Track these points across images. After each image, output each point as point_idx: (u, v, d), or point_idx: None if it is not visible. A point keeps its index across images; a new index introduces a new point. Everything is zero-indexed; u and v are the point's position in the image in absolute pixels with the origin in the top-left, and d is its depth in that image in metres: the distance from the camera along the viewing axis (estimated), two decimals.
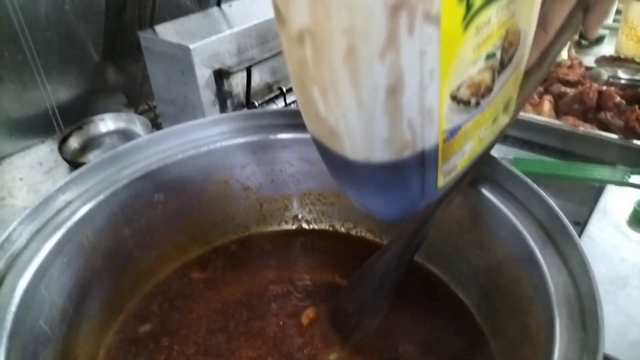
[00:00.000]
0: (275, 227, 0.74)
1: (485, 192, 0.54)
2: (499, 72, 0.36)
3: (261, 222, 0.73)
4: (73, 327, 0.53)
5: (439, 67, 0.30)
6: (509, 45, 0.35)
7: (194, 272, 0.67)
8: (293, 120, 0.67)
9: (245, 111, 0.67)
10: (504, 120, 0.43)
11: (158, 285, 0.65)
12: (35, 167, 0.96)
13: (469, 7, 0.29)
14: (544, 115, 0.93)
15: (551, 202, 0.48)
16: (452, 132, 0.35)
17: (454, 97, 0.33)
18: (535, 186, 0.51)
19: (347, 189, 0.41)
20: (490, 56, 0.34)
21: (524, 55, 0.39)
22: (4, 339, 0.41)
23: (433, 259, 0.65)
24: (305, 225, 0.74)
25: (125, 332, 0.59)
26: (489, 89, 0.36)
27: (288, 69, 0.34)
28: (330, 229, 0.73)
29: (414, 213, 0.42)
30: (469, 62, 0.32)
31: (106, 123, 1.01)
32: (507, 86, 0.39)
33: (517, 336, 0.49)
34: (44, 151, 0.99)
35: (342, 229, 0.73)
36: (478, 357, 0.54)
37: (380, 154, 0.33)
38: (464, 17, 0.29)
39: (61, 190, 0.54)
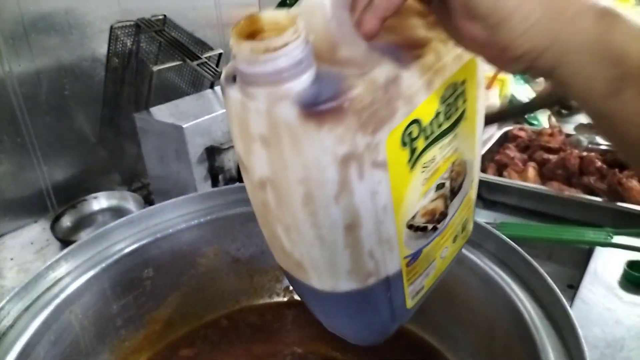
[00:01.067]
0: (266, 300, 0.73)
1: (476, 259, 0.55)
2: (451, 199, 0.39)
3: (252, 295, 0.73)
4: None
5: (391, 203, 0.32)
6: (457, 174, 0.38)
7: (183, 349, 0.66)
8: None
9: (235, 185, 0.69)
10: (464, 238, 0.45)
11: None
12: (27, 246, 0.96)
13: (412, 151, 0.32)
14: (529, 181, 0.96)
15: (536, 265, 0.49)
16: (414, 256, 0.37)
17: (410, 226, 0.35)
18: (522, 252, 0.52)
19: (319, 315, 0.42)
20: (440, 186, 0.36)
21: (473, 179, 0.42)
22: None
23: (428, 328, 0.64)
24: (297, 297, 0.73)
25: None
26: (444, 214, 0.38)
27: (253, 208, 0.36)
28: None
29: (387, 336, 0.42)
30: (420, 194, 0.35)
31: (99, 201, 1.03)
32: (462, 209, 0.41)
33: None
34: (36, 230, 0.99)
35: None
36: None
37: (345, 283, 0.35)
38: (409, 160, 0.32)
39: (51, 267, 0.55)
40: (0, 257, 0.94)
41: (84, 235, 0.84)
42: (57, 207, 1.05)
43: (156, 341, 0.65)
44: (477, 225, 0.57)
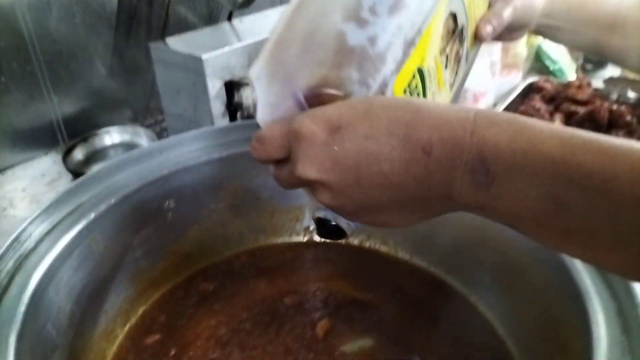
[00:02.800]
0: (285, 239, 0.72)
1: None
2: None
3: (271, 234, 0.71)
4: (79, 334, 0.50)
5: None
6: None
7: (202, 283, 0.65)
8: None
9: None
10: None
11: (166, 295, 0.63)
12: (38, 178, 0.94)
13: None
14: None
15: None
16: None
17: None
18: None
19: None
20: None
21: None
22: (13, 339, 0.38)
23: (452, 272, 0.63)
24: (316, 238, 0.72)
25: (132, 341, 0.56)
26: None
27: None
28: (343, 241, 0.71)
29: None
30: None
31: (111, 135, 1.00)
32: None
33: (545, 347, 0.47)
34: (47, 163, 0.97)
35: (355, 241, 0.71)
36: None
37: None
38: None
39: (72, 192, 0.53)
40: (12, 187, 0.92)
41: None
42: (68, 140, 1.02)
43: (175, 274, 0.64)
44: None
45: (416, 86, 0.38)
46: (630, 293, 0.39)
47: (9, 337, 0.38)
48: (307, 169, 0.32)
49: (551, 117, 0.96)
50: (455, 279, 0.63)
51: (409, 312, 0.60)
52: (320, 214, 0.40)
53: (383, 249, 0.70)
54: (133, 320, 0.59)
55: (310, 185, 0.34)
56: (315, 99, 0.34)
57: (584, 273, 0.43)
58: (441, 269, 0.64)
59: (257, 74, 0.35)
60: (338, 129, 0.31)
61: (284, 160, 0.35)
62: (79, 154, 0.96)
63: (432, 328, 0.57)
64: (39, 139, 1.01)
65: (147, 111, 1.08)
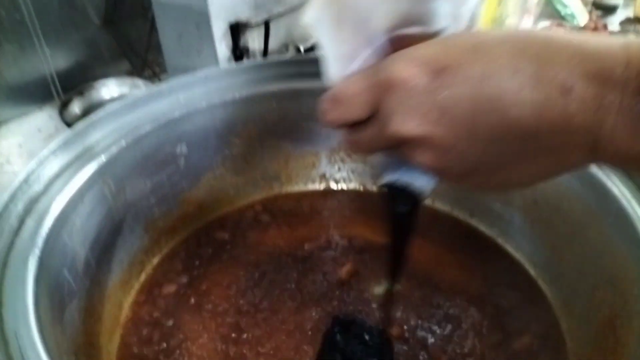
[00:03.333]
0: (301, 187, 0.69)
1: None
2: None
3: (286, 182, 0.68)
4: (96, 283, 0.48)
5: None
6: None
7: (218, 232, 0.62)
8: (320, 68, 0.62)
9: (269, 59, 0.62)
10: None
11: (182, 244, 0.60)
12: (34, 133, 0.90)
13: None
14: None
15: None
16: None
17: None
18: None
19: None
20: None
21: None
22: (31, 283, 0.35)
23: (477, 213, 0.61)
24: (333, 186, 0.69)
25: (149, 291, 0.54)
26: None
27: None
28: (361, 188, 0.69)
29: None
30: None
31: (109, 88, 0.95)
32: None
33: (586, 282, 0.46)
34: (42, 118, 0.93)
35: (373, 188, 0.68)
36: (535, 310, 0.50)
37: None
38: None
39: (79, 134, 0.49)
40: (8, 143, 0.88)
41: None
42: (63, 94, 0.97)
43: (190, 223, 0.62)
44: None
45: (500, 16, 0.33)
46: None
47: (27, 280, 0.36)
48: (406, 123, 0.26)
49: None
50: (480, 221, 0.61)
51: (433, 256, 0.58)
52: (392, 177, 0.32)
53: None
54: (149, 269, 0.57)
55: (408, 145, 0.27)
56: (399, 41, 0.28)
57: (631, 200, 0.40)
58: (465, 212, 0.62)
59: (316, 19, 0.29)
60: (443, 71, 0.25)
61: (366, 121, 0.29)
62: (75, 107, 0.92)
63: (459, 270, 0.56)
64: (33, 92, 0.96)
65: (145, 63, 1.03)
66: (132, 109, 0.54)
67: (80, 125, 0.50)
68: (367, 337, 0.45)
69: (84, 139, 0.49)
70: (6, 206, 0.39)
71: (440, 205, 0.64)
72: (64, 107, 0.90)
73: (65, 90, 0.98)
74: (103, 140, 0.50)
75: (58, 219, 0.42)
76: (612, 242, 0.42)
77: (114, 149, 0.50)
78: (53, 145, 0.46)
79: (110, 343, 0.49)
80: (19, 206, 0.41)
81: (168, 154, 0.57)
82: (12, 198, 0.41)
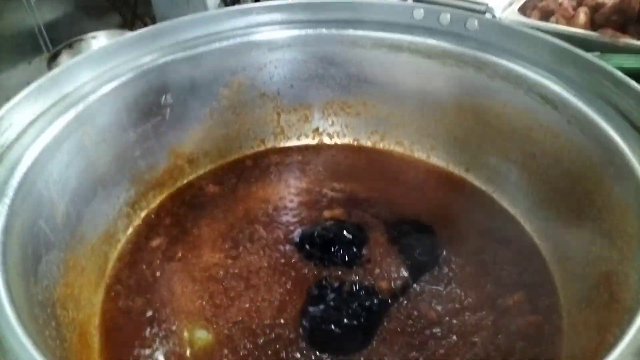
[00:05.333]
0: (294, 142, 0.67)
1: (540, 78, 0.47)
2: None
3: (279, 136, 0.66)
4: (78, 236, 0.47)
5: None
6: None
7: (208, 186, 0.61)
8: (314, 15, 0.59)
9: (259, 4, 0.58)
10: None
11: (170, 198, 0.59)
12: (23, 87, 0.87)
13: None
14: (579, 27, 0.85)
15: (634, 83, 0.42)
16: None
17: None
18: (607, 66, 0.44)
19: None
20: None
21: None
22: None
23: (473, 168, 0.59)
24: (327, 140, 0.67)
25: (136, 244, 0.53)
26: None
27: None
28: (355, 143, 0.66)
29: None
30: None
31: (99, 40, 0.92)
32: None
33: (582, 235, 0.44)
34: (31, 71, 0.90)
35: (368, 143, 0.66)
36: (532, 265, 0.49)
37: None
38: None
39: (55, 80, 0.47)
40: None
41: None
42: (52, 47, 0.94)
43: (178, 176, 0.60)
44: (547, 43, 0.49)
45: None
46: None
47: None
48: None
49: (575, 11, 0.87)
50: (476, 176, 0.59)
51: (427, 210, 0.56)
52: None
53: (398, 149, 0.65)
54: (136, 223, 0.55)
55: None
56: None
57: (636, 150, 0.38)
58: (461, 167, 0.60)
59: None
60: None
61: None
62: (64, 60, 0.89)
63: (454, 226, 0.54)
64: (20, 46, 0.93)
65: (135, 15, 1.00)
66: (113, 55, 0.51)
67: (56, 71, 0.47)
68: (351, 291, 0.44)
69: (60, 86, 0.47)
70: None
71: (436, 160, 0.62)
72: (52, 60, 0.87)
73: (54, 44, 0.95)
74: (82, 87, 0.48)
75: (32, 168, 0.40)
76: (612, 195, 0.40)
77: (93, 97, 0.48)
78: (26, 91, 0.44)
79: (95, 295, 0.48)
80: None
81: (152, 104, 0.54)
82: None
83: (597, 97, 0.44)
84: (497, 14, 0.52)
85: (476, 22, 0.53)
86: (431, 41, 0.56)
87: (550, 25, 0.86)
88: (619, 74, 0.42)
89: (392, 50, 0.58)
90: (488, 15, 0.53)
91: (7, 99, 0.85)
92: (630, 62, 0.66)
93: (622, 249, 0.36)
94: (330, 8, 0.59)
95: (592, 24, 0.88)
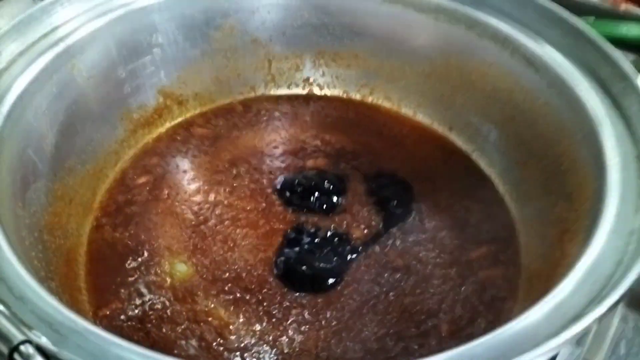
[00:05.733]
0: (284, 90, 0.67)
1: (525, 39, 0.48)
2: None
3: (269, 83, 0.67)
4: (67, 168, 0.48)
5: None
6: None
7: (196, 128, 0.62)
8: None
9: None
10: None
11: (159, 138, 0.60)
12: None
13: None
14: None
15: (610, 48, 0.42)
16: None
17: None
18: (588, 31, 0.44)
19: None
20: None
21: None
22: None
23: (456, 127, 0.60)
24: (317, 90, 0.68)
25: (123, 181, 0.55)
26: None
27: None
28: (344, 95, 0.67)
29: None
30: None
31: None
32: None
33: (548, 200, 0.46)
34: (25, 3, 0.89)
35: (357, 96, 0.67)
36: (500, 224, 0.51)
37: None
38: None
39: (45, 11, 0.47)
40: None
41: None
42: None
43: (168, 117, 0.61)
44: (536, 5, 0.49)
45: None
46: None
47: None
48: None
49: None
50: (458, 135, 0.60)
51: (407, 166, 0.58)
52: None
53: (386, 104, 0.66)
54: (124, 159, 0.57)
55: None
56: None
57: (604, 119, 0.39)
58: (445, 125, 0.61)
59: None
60: None
61: None
62: None
63: (430, 182, 0.56)
64: None
65: None
66: None
67: (47, 2, 0.47)
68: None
69: (51, 17, 0.48)
70: None
71: (422, 117, 0.63)
72: None
73: None
74: (73, 20, 0.49)
75: (21, 97, 0.42)
76: (577, 159, 0.42)
77: (83, 31, 0.49)
78: (16, 20, 0.44)
79: (82, 226, 0.50)
80: None
81: (143, 43, 0.55)
82: None
83: (578, 63, 0.44)
84: None
85: None
86: None
87: None
88: (601, 41, 0.43)
89: (386, 2, 0.58)
90: None
91: None
92: (623, 30, 0.66)
93: (578, 210, 0.39)
94: None
95: None
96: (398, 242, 0.50)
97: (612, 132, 0.38)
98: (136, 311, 0.44)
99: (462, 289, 0.46)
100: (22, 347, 0.23)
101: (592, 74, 0.43)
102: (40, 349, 0.23)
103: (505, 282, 0.46)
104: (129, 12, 0.52)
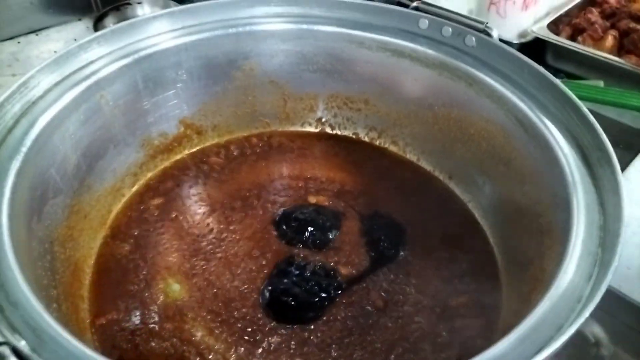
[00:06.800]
0: (297, 128, 0.72)
1: (518, 101, 0.50)
2: None
3: (283, 120, 0.71)
4: (85, 186, 0.54)
5: None
6: None
7: (212, 157, 0.67)
8: (328, 12, 0.63)
9: None
10: None
11: (176, 164, 0.65)
12: (70, 42, 0.95)
13: None
14: (605, 51, 0.85)
15: (592, 119, 0.44)
16: None
17: None
18: (575, 100, 0.46)
19: None
20: None
21: None
22: (12, 173, 0.41)
23: (455, 176, 0.62)
24: (328, 130, 0.71)
25: (138, 200, 0.60)
26: None
27: None
28: (354, 136, 0.71)
29: None
30: None
31: (143, 7, 0.99)
32: None
33: (526, 256, 0.47)
34: (80, 28, 0.98)
35: (366, 138, 0.70)
36: (485, 275, 0.53)
37: None
38: None
39: (83, 47, 0.53)
40: (45, 48, 0.94)
41: None
42: (102, 7, 1.02)
43: (187, 145, 0.66)
44: (531, 69, 0.51)
45: None
46: (618, 217, 0.37)
47: (9, 170, 0.41)
48: None
49: (604, 33, 0.87)
50: (457, 184, 0.62)
51: (404, 209, 0.60)
52: None
53: (392, 148, 0.69)
54: (141, 181, 0.62)
55: None
56: None
57: (579, 185, 0.41)
58: (445, 173, 0.63)
59: None
60: None
61: None
62: (109, 22, 0.96)
63: (424, 227, 0.58)
64: (73, 3, 1.01)
65: None
66: (137, 29, 0.57)
67: (85, 40, 0.54)
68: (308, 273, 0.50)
69: (87, 53, 0.53)
70: (2, 105, 0.44)
71: (425, 164, 0.65)
72: (98, 20, 0.95)
73: (104, 4, 1.03)
74: (105, 57, 0.54)
75: (50, 124, 0.47)
76: (552, 222, 0.43)
77: (114, 66, 0.54)
78: (56, 55, 0.51)
79: (94, 240, 0.55)
80: (16, 107, 0.46)
81: (167, 78, 0.60)
82: (10, 98, 0.46)
83: (563, 128, 0.46)
84: (494, 34, 0.55)
85: (474, 39, 0.56)
86: (431, 52, 0.59)
87: (577, 46, 0.86)
88: (585, 110, 0.45)
89: (395, 55, 0.61)
90: (485, 35, 0.55)
91: (55, 51, 0.94)
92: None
93: (545, 271, 0.40)
94: (343, 7, 0.63)
95: (620, 49, 0.88)
96: (382, 283, 0.52)
97: (583, 199, 0.40)
98: (129, 323, 0.48)
99: (438, 335, 0.48)
100: (0, 348, 0.26)
101: (574, 140, 0.44)
102: (16, 352, 0.27)
103: (481, 333, 0.48)
104: (157, 51, 0.57)
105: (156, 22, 0.58)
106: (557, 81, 0.48)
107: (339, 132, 0.71)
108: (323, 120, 0.71)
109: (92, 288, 0.51)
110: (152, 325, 0.47)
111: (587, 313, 0.30)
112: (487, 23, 0.55)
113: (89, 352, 0.29)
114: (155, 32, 0.58)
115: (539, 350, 0.29)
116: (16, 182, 0.41)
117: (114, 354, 0.45)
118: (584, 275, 0.34)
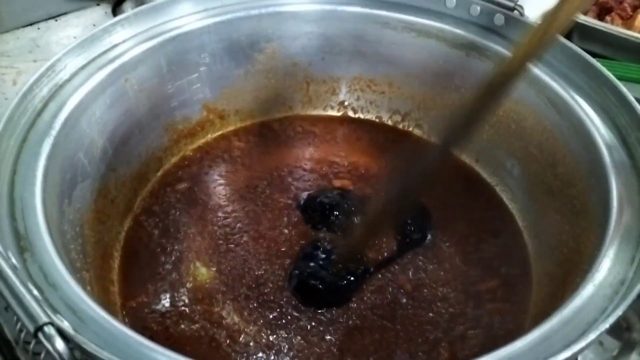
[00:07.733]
0: (319, 112, 0.71)
1: (550, 81, 0.49)
2: None
3: (306, 104, 0.70)
4: (112, 170, 0.54)
5: None
6: None
7: (235, 141, 0.66)
8: None
9: None
10: None
11: (199, 148, 0.65)
12: (89, 28, 0.95)
13: None
14: (634, 30, 0.83)
15: (631, 98, 0.43)
16: None
17: None
18: (612, 79, 0.45)
19: None
20: None
21: None
22: (44, 157, 0.41)
23: (482, 159, 0.61)
24: (351, 113, 0.71)
25: (163, 185, 0.60)
26: None
27: None
28: (377, 120, 0.70)
29: None
30: None
31: None
32: None
33: (559, 239, 0.46)
34: (99, 13, 0.98)
35: (389, 122, 0.69)
36: (514, 259, 0.52)
37: None
38: None
39: (107, 31, 0.53)
40: (64, 34, 0.94)
41: None
42: None
43: (210, 130, 0.66)
44: (565, 48, 0.50)
45: None
46: None
47: (40, 155, 0.41)
48: None
49: (634, 12, 0.85)
50: (484, 167, 0.61)
51: (430, 193, 0.59)
52: None
53: (417, 132, 0.68)
54: (166, 166, 0.62)
55: None
56: None
57: (617, 166, 0.40)
58: (472, 157, 0.62)
59: None
60: None
61: None
62: (127, 6, 0.96)
63: (450, 210, 0.57)
64: None
65: None
66: (161, 12, 0.57)
67: (109, 23, 0.53)
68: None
69: (112, 36, 0.53)
70: (31, 88, 0.44)
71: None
72: (117, 5, 0.94)
73: None
74: (129, 40, 0.54)
75: (77, 107, 0.47)
76: (588, 203, 0.42)
77: (138, 50, 0.54)
78: (81, 39, 0.50)
79: (122, 224, 0.55)
80: (44, 90, 0.46)
81: (191, 61, 0.60)
82: (38, 82, 0.45)
83: (599, 108, 0.45)
84: (526, 12, 0.53)
85: (503, 18, 0.54)
86: (459, 31, 0.58)
87: (605, 26, 0.84)
88: (623, 89, 0.43)
89: (421, 35, 0.60)
90: (516, 13, 0.54)
91: (74, 37, 0.94)
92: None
93: (582, 254, 0.39)
94: None
95: None
96: (410, 267, 0.52)
97: (623, 181, 0.39)
98: (159, 306, 0.48)
99: (467, 319, 0.47)
100: (45, 328, 0.27)
101: (611, 121, 0.43)
102: (60, 332, 0.27)
103: (512, 317, 0.47)
104: (180, 34, 0.57)
105: (179, 4, 0.58)
106: (593, 60, 0.47)
107: (361, 116, 0.70)
108: (345, 103, 0.70)
109: (121, 272, 0.51)
110: (182, 308, 0.48)
111: (633, 295, 0.30)
112: (517, 1, 0.53)
113: (129, 332, 0.29)
114: (178, 15, 0.58)
115: (584, 333, 0.29)
116: (47, 165, 0.41)
117: (145, 335, 0.45)
118: (625, 258, 0.34)
